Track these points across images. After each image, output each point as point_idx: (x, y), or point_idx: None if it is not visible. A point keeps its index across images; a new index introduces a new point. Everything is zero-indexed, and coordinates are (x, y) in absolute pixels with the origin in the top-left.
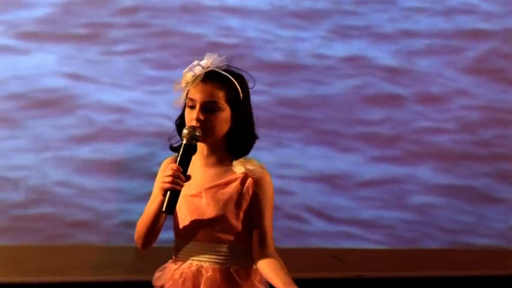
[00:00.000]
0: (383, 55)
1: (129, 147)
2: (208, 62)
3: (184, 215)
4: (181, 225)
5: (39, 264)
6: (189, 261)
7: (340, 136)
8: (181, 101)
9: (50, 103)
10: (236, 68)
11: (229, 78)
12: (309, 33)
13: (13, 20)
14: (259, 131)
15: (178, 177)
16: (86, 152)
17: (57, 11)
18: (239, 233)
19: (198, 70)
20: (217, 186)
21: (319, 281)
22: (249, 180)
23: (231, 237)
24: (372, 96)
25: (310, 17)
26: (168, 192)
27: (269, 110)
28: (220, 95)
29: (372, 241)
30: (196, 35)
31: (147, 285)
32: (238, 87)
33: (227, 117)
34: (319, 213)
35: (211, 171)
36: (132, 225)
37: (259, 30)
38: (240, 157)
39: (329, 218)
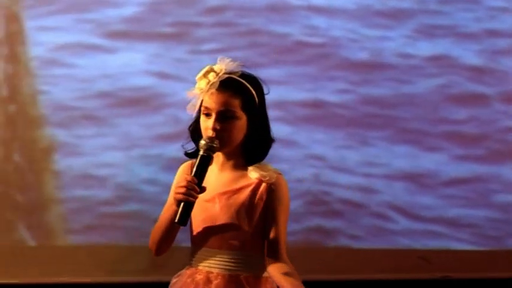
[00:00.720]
0: (468, 54)
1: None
2: (222, 67)
3: (198, 221)
4: (194, 231)
5: (127, 264)
6: (200, 268)
7: (425, 135)
8: (196, 108)
9: (138, 101)
10: (250, 73)
11: (244, 84)
12: (394, 32)
13: (101, 19)
14: (345, 129)
15: (193, 189)
16: (172, 150)
17: (144, 10)
18: (251, 240)
19: (212, 77)
20: (230, 191)
21: (405, 282)
22: (263, 186)
23: (242, 244)
24: (457, 95)
25: (395, 16)
26: (182, 204)
27: (355, 108)
28: (236, 103)
29: (457, 239)
30: (282, 34)
31: None
32: (254, 93)
33: (243, 125)
34: (405, 212)
35: (226, 177)
36: None
37: (344, 29)
38: (256, 162)
39: (414, 217)
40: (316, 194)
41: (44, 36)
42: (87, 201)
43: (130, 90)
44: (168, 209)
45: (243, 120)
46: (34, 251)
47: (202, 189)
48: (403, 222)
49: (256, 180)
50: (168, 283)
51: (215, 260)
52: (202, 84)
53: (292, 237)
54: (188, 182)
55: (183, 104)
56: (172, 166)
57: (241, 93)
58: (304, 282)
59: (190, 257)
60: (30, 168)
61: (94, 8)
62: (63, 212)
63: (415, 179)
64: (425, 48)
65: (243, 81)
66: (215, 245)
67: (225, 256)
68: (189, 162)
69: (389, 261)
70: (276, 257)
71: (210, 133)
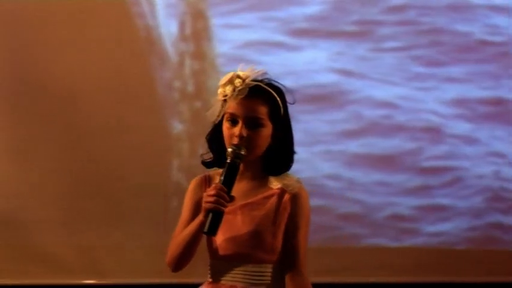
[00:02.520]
0: None
1: (397, 142)
2: (247, 74)
3: (218, 234)
4: (214, 244)
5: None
6: (223, 282)
7: None
8: (220, 115)
9: (321, 98)
10: (276, 81)
11: (272, 93)
12: None
13: (286, 17)
14: None
15: (223, 198)
16: (355, 146)
17: (328, 8)
18: (276, 251)
19: (238, 83)
20: (253, 203)
21: None
22: (286, 196)
23: (266, 256)
24: None
25: None
26: (211, 213)
27: None
28: (264, 111)
29: None
30: (463, 32)
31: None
32: (280, 103)
33: (269, 134)
34: None
35: (246, 187)
36: (400, 218)
37: None
38: (277, 174)
39: None
40: (496, 191)
41: (229, 33)
42: None
43: (314, 87)
44: (185, 224)
45: (268, 129)
46: None
47: (232, 198)
48: None
49: (278, 190)
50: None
51: (239, 273)
52: (227, 90)
53: (472, 232)
54: (218, 190)
55: (366, 101)
56: (354, 162)
57: (269, 101)
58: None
59: (210, 271)
60: None
61: (278, 6)
62: None
63: None
64: None
65: (271, 90)
66: (239, 258)
67: (249, 269)
68: (202, 176)
69: None
70: (292, 270)
71: (235, 140)
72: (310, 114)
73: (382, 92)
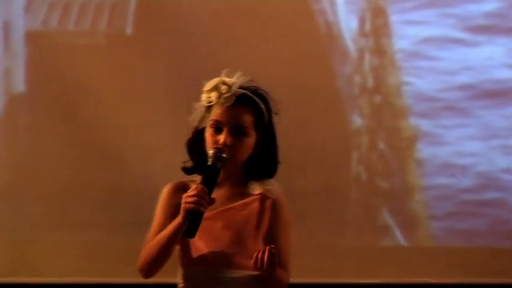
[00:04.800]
0: None
1: None
2: (233, 80)
3: (196, 240)
4: (193, 251)
5: (487, 266)
6: None
7: None
8: (202, 121)
9: (498, 93)
10: (262, 89)
11: (257, 102)
12: None
13: (463, 14)
14: None
15: (203, 199)
16: None
17: (505, 5)
18: None
19: (224, 90)
20: (233, 208)
21: None
22: (268, 201)
23: (247, 262)
24: None
25: None
26: (190, 215)
27: None
28: (250, 120)
29: None
30: None
31: None
32: (265, 112)
33: (252, 143)
34: None
35: (227, 193)
36: None
37: None
38: (259, 180)
39: None
40: None
41: (408, 29)
42: (449, 189)
43: (490, 82)
44: (159, 229)
45: (252, 138)
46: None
47: (212, 201)
48: None
49: (259, 195)
50: None
51: (220, 280)
52: (213, 96)
53: None
54: (199, 191)
55: None
56: None
57: (254, 110)
58: None
59: (184, 280)
60: (394, 156)
61: (456, 3)
62: (426, 198)
63: None
64: None
65: (256, 99)
66: (219, 265)
67: (231, 276)
68: (178, 181)
69: None
70: None
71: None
72: (487, 109)
73: None
